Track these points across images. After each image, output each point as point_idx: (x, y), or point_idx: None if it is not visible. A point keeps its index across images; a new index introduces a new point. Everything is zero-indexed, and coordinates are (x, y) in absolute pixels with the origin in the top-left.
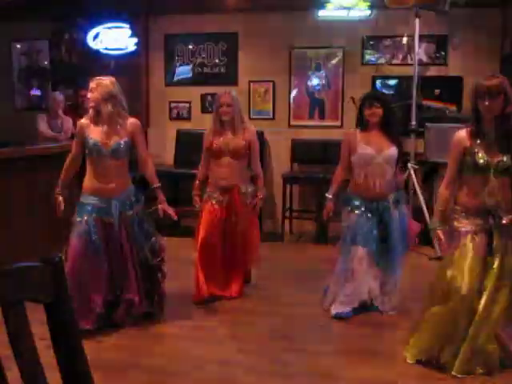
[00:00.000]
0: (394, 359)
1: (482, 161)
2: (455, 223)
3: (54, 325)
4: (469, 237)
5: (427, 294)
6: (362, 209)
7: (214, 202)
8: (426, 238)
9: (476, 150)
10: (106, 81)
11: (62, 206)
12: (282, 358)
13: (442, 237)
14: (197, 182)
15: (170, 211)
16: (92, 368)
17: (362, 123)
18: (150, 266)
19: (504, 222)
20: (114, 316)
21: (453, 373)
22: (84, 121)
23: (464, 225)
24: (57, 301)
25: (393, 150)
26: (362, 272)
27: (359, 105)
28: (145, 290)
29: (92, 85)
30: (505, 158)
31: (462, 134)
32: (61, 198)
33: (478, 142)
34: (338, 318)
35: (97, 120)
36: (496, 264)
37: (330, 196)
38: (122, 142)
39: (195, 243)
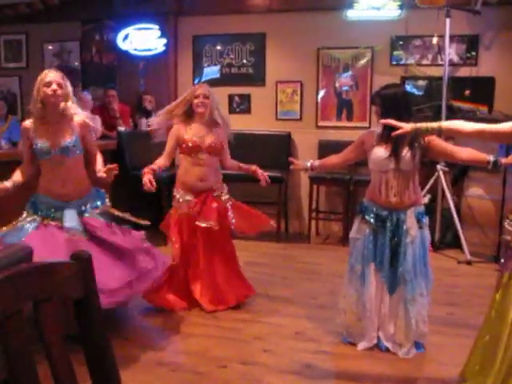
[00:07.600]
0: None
1: None
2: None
3: (82, 322)
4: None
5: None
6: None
7: (188, 203)
8: (455, 240)
9: None
10: (61, 74)
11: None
12: (307, 359)
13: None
14: (154, 166)
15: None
16: (118, 365)
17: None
18: None
19: None
20: None
21: None
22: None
23: None
24: (85, 298)
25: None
26: (373, 309)
27: None
28: None
29: (57, 79)
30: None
31: None
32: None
33: None
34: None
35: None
36: None
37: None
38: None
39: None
